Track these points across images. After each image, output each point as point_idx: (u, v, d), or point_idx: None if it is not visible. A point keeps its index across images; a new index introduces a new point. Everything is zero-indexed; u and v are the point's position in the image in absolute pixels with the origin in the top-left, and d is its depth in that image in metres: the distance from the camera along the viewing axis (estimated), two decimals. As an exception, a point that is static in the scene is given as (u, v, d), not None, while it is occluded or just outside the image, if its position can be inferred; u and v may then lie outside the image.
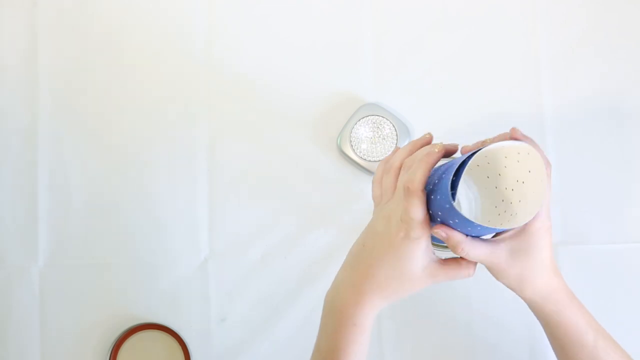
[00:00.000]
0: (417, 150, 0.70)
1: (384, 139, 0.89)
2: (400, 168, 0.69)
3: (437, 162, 0.66)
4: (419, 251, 0.66)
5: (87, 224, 0.90)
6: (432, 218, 0.65)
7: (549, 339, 0.72)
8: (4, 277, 0.89)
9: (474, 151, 0.63)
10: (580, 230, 0.90)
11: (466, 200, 0.69)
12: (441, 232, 0.64)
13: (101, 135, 0.91)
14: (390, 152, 0.85)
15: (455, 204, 0.61)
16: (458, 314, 0.89)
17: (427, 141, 0.71)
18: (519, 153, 0.63)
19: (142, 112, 0.91)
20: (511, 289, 0.68)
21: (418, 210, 0.64)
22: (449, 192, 0.62)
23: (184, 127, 0.91)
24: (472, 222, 0.61)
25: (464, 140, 0.91)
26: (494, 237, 0.68)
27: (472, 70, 0.92)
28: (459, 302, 0.89)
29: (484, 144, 0.65)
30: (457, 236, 0.64)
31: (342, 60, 0.92)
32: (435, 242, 0.70)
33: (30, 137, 0.91)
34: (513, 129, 0.67)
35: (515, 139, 0.65)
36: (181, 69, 0.92)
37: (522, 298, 0.69)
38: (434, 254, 0.67)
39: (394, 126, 0.89)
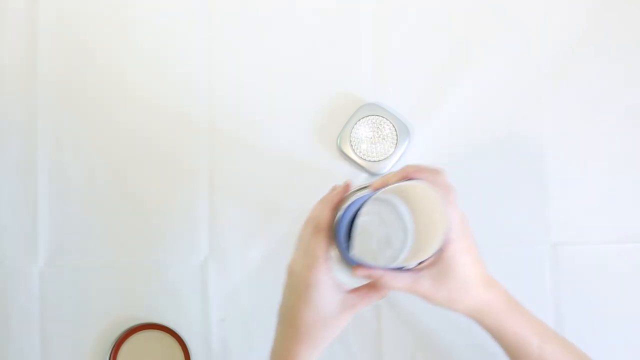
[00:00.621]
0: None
1: (384, 139, 0.89)
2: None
3: (336, 199, 0.70)
4: (329, 289, 0.69)
5: (87, 224, 0.90)
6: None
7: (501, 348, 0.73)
8: (4, 277, 0.89)
9: (369, 195, 0.65)
10: (580, 230, 0.90)
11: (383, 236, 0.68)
12: (359, 273, 0.67)
13: (101, 136, 0.91)
14: (385, 157, 0.86)
15: (355, 249, 0.65)
16: (458, 314, 0.89)
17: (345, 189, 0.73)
18: (415, 192, 0.65)
19: (142, 112, 0.91)
20: (446, 309, 0.70)
21: (320, 248, 0.68)
22: (343, 243, 0.67)
23: (184, 127, 0.91)
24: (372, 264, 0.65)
25: (463, 141, 0.91)
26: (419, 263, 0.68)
27: (472, 70, 0.91)
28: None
29: (385, 182, 0.67)
30: (376, 273, 0.67)
31: (342, 60, 0.92)
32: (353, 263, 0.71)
33: (30, 137, 0.91)
34: (407, 167, 0.67)
35: (410, 178, 0.66)
36: (181, 69, 0.92)
37: (459, 312, 0.70)
38: (344, 285, 0.70)
39: (393, 126, 0.89)
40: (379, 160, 0.89)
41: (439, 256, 0.67)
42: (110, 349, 0.87)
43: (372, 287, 0.72)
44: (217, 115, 0.91)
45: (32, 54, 0.91)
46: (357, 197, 0.69)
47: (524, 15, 0.92)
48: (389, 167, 0.89)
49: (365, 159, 0.89)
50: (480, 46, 0.92)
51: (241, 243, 0.90)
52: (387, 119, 0.89)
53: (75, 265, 0.90)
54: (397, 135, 0.89)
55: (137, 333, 0.88)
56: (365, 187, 0.72)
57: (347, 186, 0.72)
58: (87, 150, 0.91)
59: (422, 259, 0.66)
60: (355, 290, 0.72)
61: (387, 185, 0.66)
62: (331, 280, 0.70)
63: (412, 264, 0.67)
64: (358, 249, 0.66)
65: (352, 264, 0.69)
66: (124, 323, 0.88)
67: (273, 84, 0.91)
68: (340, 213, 0.70)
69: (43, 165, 0.90)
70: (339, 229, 0.69)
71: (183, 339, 0.87)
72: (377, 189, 0.66)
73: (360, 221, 0.66)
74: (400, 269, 0.68)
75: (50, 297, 0.89)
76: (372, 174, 0.90)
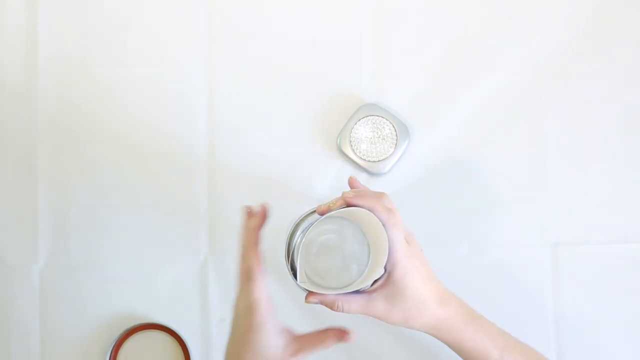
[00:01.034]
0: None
1: (384, 139, 0.89)
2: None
3: (257, 234, 0.73)
4: (272, 334, 0.71)
5: (87, 224, 0.90)
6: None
7: None
8: (4, 277, 0.89)
9: (311, 223, 0.67)
10: (580, 230, 0.90)
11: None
12: (311, 299, 0.69)
13: (101, 136, 0.91)
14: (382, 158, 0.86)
15: (304, 274, 0.68)
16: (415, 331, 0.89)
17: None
18: (360, 214, 0.67)
19: (143, 112, 0.91)
20: (402, 327, 0.71)
21: (257, 292, 0.71)
22: (290, 271, 0.69)
23: (185, 127, 0.91)
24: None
25: (463, 140, 0.91)
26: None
27: (472, 70, 0.91)
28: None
29: (329, 208, 0.68)
30: (328, 298, 0.69)
31: (342, 60, 0.92)
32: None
33: (30, 137, 0.91)
34: (346, 194, 0.68)
35: (350, 205, 0.67)
36: (182, 69, 0.91)
37: (416, 329, 0.71)
38: (290, 330, 0.73)
39: (393, 126, 0.89)
40: (378, 161, 0.89)
41: (389, 278, 0.68)
42: (110, 349, 0.87)
43: (318, 336, 0.74)
44: (217, 116, 0.91)
45: (32, 54, 0.91)
46: (308, 223, 0.70)
47: (525, 15, 0.92)
48: (389, 166, 0.89)
49: (365, 159, 0.89)
50: (480, 46, 0.92)
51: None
52: (386, 119, 0.89)
53: (75, 265, 0.90)
54: (396, 135, 0.89)
55: (137, 333, 0.88)
56: (308, 215, 0.73)
57: (263, 211, 0.74)
58: (87, 150, 0.91)
59: (375, 278, 0.67)
60: (301, 337, 0.73)
61: (331, 211, 0.67)
62: (274, 324, 0.72)
63: (366, 284, 0.68)
64: (318, 269, 0.68)
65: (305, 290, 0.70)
66: (124, 323, 0.88)
67: (272, 84, 0.91)
68: (297, 240, 0.71)
69: (43, 165, 0.90)
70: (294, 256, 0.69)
71: (183, 339, 0.87)
72: (322, 214, 0.67)
73: (320, 239, 0.68)
74: (352, 292, 0.69)
75: (50, 297, 0.89)
76: (371, 174, 0.90)
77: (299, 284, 0.68)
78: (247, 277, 0.72)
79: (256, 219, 0.74)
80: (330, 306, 0.69)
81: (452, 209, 0.90)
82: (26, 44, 0.91)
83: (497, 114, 0.91)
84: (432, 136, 0.91)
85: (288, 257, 0.71)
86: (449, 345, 0.73)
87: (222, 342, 0.89)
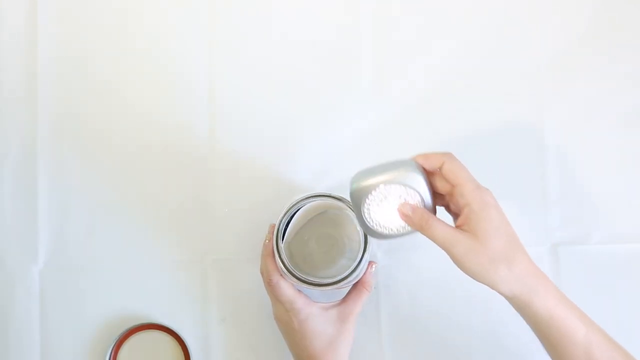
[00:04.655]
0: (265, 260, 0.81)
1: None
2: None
3: (270, 246, 0.79)
4: (320, 314, 0.80)
5: (87, 224, 0.90)
6: None
7: (540, 339, 0.72)
8: (4, 277, 0.89)
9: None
10: (580, 230, 0.90)
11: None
12: (405, 208, 0.70)
13: (101, 135, 0.91)
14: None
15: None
16: (458, 314, 0.89)
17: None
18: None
19: (143, 112, 0.91)
20: (486, 280, 0.68)
21: (286, 292, 0.78)
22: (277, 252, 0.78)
23: (185, 127, 0.91)
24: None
25: (463, 140, 0.91)
26: None
27: (472, 70, 0.91)
28: (459, 301, 0.89)
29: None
30: (419, 212, 0.69)
31: (342, 60, 0.92)
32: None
33: (30, 137, 0.91)
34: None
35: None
36: (182, 70, 0.91)
37: (502, 292, 0.69)
38: (332, 303, 0.81)
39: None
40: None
41: (468, 212, 0.67)
42: (110, 349, 0.87)
43: (357, 286, 0.81)
44: (218, 115, 0.91)
45: (32, 54, 0.91)
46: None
47: (524, 15, 0.92)
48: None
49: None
50: (480, 46, 0.92)
51: (241, 243, 0.90)
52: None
53: (75, 265, 0.90)
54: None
55: (137, 333, 0.88)
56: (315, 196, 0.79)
57: (269, 236, 0.81)
58: (87, 150, 0.91)
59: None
60: (344, 298, 0.81)
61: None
62: (316, 306, 0.79)
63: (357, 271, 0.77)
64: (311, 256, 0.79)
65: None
66: (124, 323, 0.88)
67: (272, 84, 0.91)
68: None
69: (43, 165, 0.90)
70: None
71: (183, 339, 0.87)
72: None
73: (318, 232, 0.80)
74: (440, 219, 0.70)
75: (50, 297, 0.89)
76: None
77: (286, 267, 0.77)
78: (270, 284, 0.79)
79: (270, 235, 0.81)
80: (419, 221, 0.68)
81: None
82: (26, 44, 0.91)
83: (497, 113, 0.91)
84: (432, 135, 0.91)
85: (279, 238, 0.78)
86: (534, 317, 0.69)
87: (222, 342, 0.89)
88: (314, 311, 0.79)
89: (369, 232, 0.73)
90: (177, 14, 0.92)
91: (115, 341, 0.87)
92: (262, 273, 0.82)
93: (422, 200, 0.70)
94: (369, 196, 0.70)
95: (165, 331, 0.88)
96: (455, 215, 0.71)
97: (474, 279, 0.68)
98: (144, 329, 0.88)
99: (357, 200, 0.71)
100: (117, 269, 0.90)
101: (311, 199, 0.79)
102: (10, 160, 0.90)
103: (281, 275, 0.79)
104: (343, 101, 0.91)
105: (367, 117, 0.91)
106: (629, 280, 0.90)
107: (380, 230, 0.72)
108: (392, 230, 0.72)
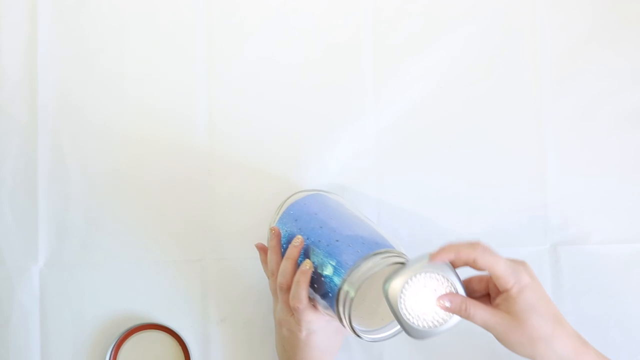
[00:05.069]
0: (278, 254, 0.80)
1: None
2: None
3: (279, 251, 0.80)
4: (325, 333, 0.80)
5: (86, 224, 0.90)
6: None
7: None
8: (4, 277, 0.89)
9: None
10: (580, 230, 0.90)
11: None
12: (445, 301, 0.70)
13: (101, 135, 0.91)
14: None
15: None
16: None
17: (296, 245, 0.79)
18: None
19: (143, 112, 0.91)
20: (529, 355, 0.70)
21: (308, 316, 0.77)
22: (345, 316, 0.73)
23: (185, 127, 0.91)
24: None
25: (463, 140, 0.91)
26: None
27: (473, 70, 0.91)
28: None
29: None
30: (458, 299, 0.70)
31: (342, 61, 0.92)
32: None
33: (30, 137, 0.90)
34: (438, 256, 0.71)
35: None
36: (182, 70, 0.91)
37: None
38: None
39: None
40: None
41: (507, 297, 0.69)
42: (110, 349, 0.87)
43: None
44: (217, 115, 0.91)
45: (32, 54, 0.91)
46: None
47: (525, 15, 0.92)
48: None
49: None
50: (480, 47, 0.92)
51: (241, 243, 0.90)
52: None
53: (75, 265, 0.90)
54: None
55: (137, 333, 0.88)
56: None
57: (277, 232, 0.81)
58: (87, 150, 0.91)
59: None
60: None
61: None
62: (323, 319, 0.79)
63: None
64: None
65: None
66: (124, 323, 0.88)
67: (273, 85, 0.91)
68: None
69: (43, 165, 0.90)
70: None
71: (183, 339, 0.87)
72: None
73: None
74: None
75: (50, 297, 0.89)
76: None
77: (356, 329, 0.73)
78: (295, 308, 0.77)
79: (273, 239, 0.81)
80: (458, 310, 0.70)
81: (451, 209, 0.90)
82: (26, 44, 0.91)
83: (497, 113, 0.91)
84: (432, 135, 0.91)
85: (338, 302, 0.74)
86: None
87: (222, 342, 0.89)
88: (321, 324, 0.79)
89: (410, 331, 0.71)
90: (177, 14, 0.92)
91: (115, 341, 0.87)
92: (280, 287, 0.78)
93: (452, 285, 0.71)
94: (403, 290, 0.70)
95: (165, 331, 0.88)
96: (495, 295, 0.73)
97: (517, 354, 0.71)
98: (144, 329, 0.88)
99: (392, 300, 0.70)
100: (117, 269, 0.90)
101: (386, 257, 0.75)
102: (10, 160, 0.90)
103: (312, 304, 0.77)
104: (344, 101, 0.91)
105: (367, 117, 0.91)
106: (629, 280, 0.90)
107: (421, 324, 0.71)
108: (433, 322, 0.71)
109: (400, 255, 0.74)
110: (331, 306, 0.74)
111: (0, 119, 0.91)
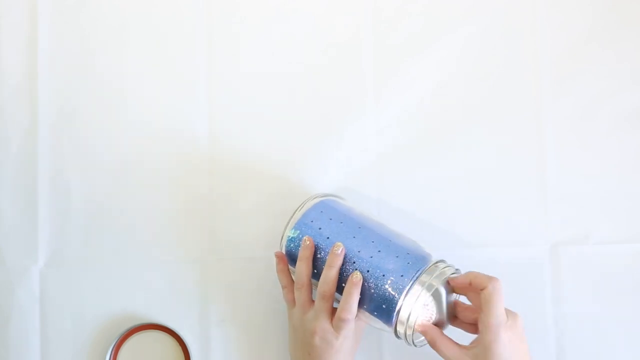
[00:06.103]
0: (310, 266, 0.80)
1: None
2: (309, 284, 0.80)
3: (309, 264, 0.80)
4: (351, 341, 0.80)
5: (87, 224, 0.90)
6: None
7: None
8: (4, 277, 0.89)
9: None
10: (580, 230, 0.90)
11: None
12: (425, 329, 0.75)
13: (101, 135, 0.91)
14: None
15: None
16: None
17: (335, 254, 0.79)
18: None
19: (143, 112, 0.91)
20: None
21: (350, 326, 0.78)
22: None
23: (186, 127, 0.91)
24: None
25: (463, 139, 0.91)
26: None
27: (473, 70, 0.91)
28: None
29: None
30: (432, 333, 0.75)
31: (342, 62, 0.92)
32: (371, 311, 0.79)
33: (30, 137, 0.91)
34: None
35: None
36: (181, 70, 0.91)
37: None
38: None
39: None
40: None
41: (481, 339, 0.73)
42: (110, 349, 0.87)
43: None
44: (218, 115, 0.91)
45: (32, 54, 0.91)
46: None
47: (525, 15, 0.92)
48: None
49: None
50: (481, 47, 0.92)
51: (241, 243, 0.90)
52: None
53: (75, 265, 0.90)
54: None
55: (137, 333, 0.88)
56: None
57: (312, 244, 0.80)
58: (87, 150, 0.91)
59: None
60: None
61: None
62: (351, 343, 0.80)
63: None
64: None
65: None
66: (124, 323, 0.88)
67: (273, 86, 0.91)
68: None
69: (43, 165, 0.90)
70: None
71: (183, 339, 0.87)
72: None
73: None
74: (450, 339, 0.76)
75: (50, 297, 0.89)
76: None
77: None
78: (344, 321, 0.77)
79: (308, 250, 0.80)
80: (431, 342, 0.75)
81: (451, 209, 0.90)
82: (26, 44, 0.91)
83: (497, 113, 0.91)
84: (432, 135, 0.91)
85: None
86: None
87: (222, 342, 0.89)
88: (352, 329, 0.80)
89: (401, 335, 0.76)
90: (177, 14, 0.92)
91: (115, 341, 0.87)
92: (323, 295, 0.78)
93: (437, 312, 0.76)
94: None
95: (165, 331, 0.88)
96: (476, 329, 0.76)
97: None
98: (144, 329, 0.88)
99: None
100: (117, 269, 0.90)
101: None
102: (10, 160, 0.90)
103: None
104: (344, 101, 0.91)
105: (367, 117, 0.91)
106: (629, 280, 0.90)
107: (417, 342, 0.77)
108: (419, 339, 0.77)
109: (447, 264, 0.77)
110: (380, 317, 0.76)
111: (0, 119, 0.91)
